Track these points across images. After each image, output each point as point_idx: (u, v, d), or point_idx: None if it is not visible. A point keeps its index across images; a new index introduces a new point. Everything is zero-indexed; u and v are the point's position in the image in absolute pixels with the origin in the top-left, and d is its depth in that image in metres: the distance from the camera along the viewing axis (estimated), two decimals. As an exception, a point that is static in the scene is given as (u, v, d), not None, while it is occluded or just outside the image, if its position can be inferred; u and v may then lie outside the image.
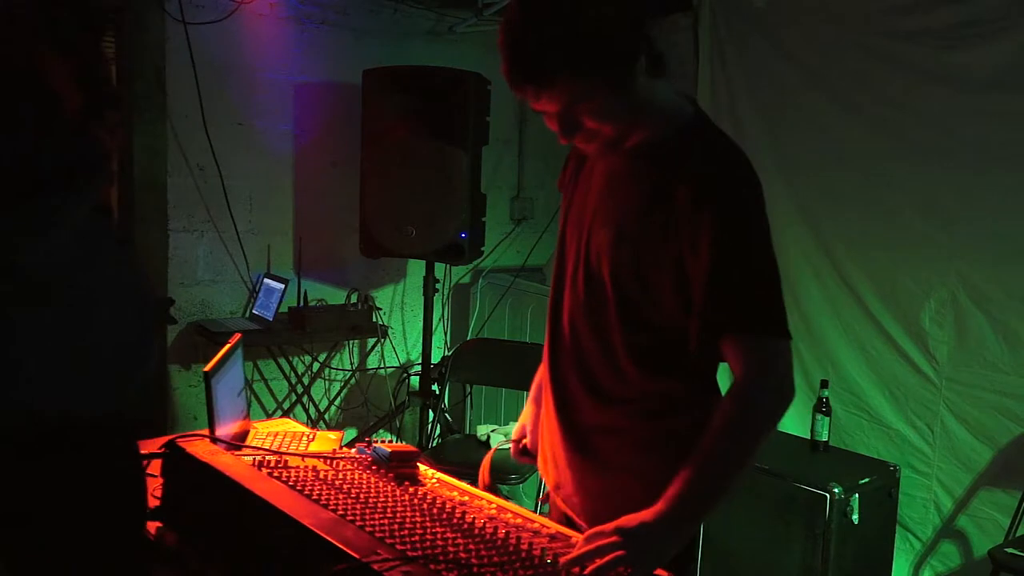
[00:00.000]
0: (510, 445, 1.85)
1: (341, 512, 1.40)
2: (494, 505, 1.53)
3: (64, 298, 1.10)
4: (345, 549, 1.26)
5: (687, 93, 1.55)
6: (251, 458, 1.65)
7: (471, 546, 1.31)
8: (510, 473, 3.33)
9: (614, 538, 1.28)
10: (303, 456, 1.70)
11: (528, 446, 1.79)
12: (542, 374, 1.71)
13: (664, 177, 1.42)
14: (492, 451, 1.92)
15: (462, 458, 3.41)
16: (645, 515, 1.32)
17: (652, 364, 1.48)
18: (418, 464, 1.68)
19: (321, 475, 1.58)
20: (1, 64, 1.10)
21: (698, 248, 1.37)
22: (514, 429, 1.85)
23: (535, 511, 1.59)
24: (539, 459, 1.73)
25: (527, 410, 1.83)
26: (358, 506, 1.43)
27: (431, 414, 3.82)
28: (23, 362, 1.07)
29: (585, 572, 1.25)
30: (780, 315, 1.39)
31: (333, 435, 2.12)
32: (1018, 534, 2.93)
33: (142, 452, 1.70)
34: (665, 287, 1.42)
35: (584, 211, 1.56)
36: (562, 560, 1.28)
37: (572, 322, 1.56)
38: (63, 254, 1.12)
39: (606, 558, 1.26)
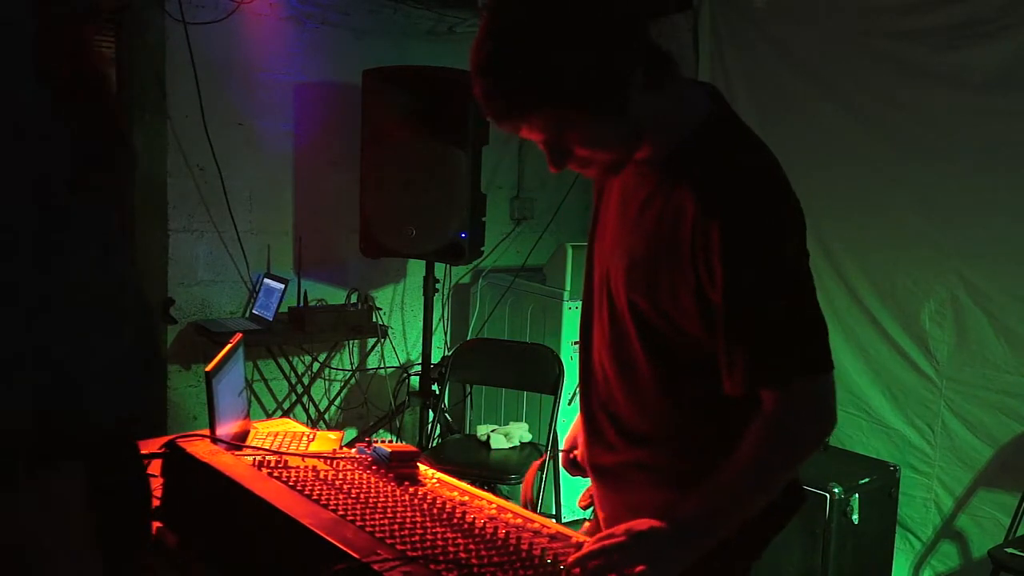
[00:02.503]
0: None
1: (341, 512, 1.40)
2: (494, 505, 1.53)
3: (81, 299, 1.11)
4: (345, 549, 1.26)
5: (707, 87, 1.38)
6: (251, 458, 1.65)
7: (471, 546, 1.31)
8: (510, 473, 3.33)
9: (622, 539, 1.27)
10: (303, 456, 1.70)
11: (579, 458, 1.67)
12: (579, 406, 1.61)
13: (670, 197, 1.30)
14: (533, 468, 1.88)
15: (462, 458, 3.41)
16: (657, 522, 1.29)
17: (683, 400, 1.38)
18: (418, 464, 1.68)
19: (321, 475, 1.58)
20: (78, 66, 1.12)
21: (713, 276, 1.25)
22: (565, 438, 1.74)
23: (535, 511, 1.59)
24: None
25: (579, 419, 1.67)
26: (358, 506, 1.43)
27: (431, 414, 3.82)
28: (38, 363, 1.07)
29: (589, 567, 1.24)
30: (812, 350, 1.27)
31: (333, 435, 2.12)
32: (1018, 534, 2.93)
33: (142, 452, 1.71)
34: (687, 314, 1.30)
35: (605, 232, 1.46)
36: (570, 558, 1.27)
37: (600, 357, 1.47)
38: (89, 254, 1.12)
39: (614, 558, 1.25)
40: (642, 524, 1.29)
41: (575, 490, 1.70)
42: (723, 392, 1.30)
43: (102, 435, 1.12)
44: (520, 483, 3.39)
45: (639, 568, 1.23)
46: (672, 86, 1.32)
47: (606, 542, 1.27)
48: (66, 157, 1.09)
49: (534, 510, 1.59)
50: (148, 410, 1.19)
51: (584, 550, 1.28)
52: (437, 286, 3.99)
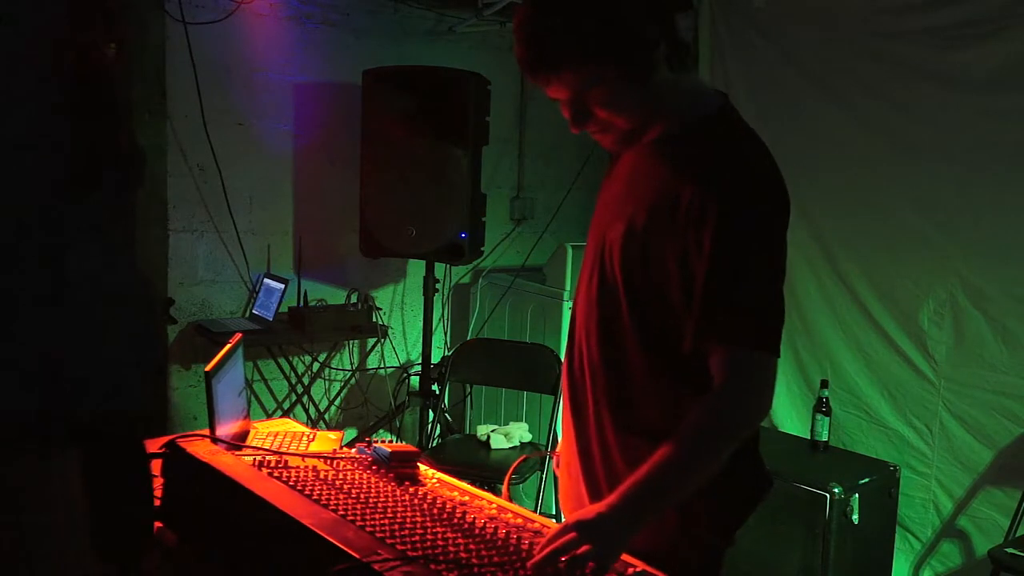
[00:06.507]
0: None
1: (341, 512, 1.40)
2: (494, 505, 1.53)
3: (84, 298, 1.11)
4: (345, 549, 1.26)
5: (723, 94, 1.50)
6: (251, 458, 1.65)
7: (471, 546, 1.31)
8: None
9: (573, 534, 1.27)
10: (303, 456, 1.70)
11: None
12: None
13: (674, 173, 1.39)
14: (513, 465, 1.88)
15: (462, 458, 3.41)
16: (600, 507, 1.31)
17: (666, 374, 1.43)
18: (418, 464, 1.68)
19: (321, 475, 1.58)
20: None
21: (702, 248, 1.34)
22: (560, 443, 1.75)
23: (535, 511, 1.59)
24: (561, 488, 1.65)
25: None
26: (358, 506, 1.43)
27: (431, 414, 3.82)
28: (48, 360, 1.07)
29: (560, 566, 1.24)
30: (770, 329, 1.35)
31: (333, 435, 2.12)
32: (1018, 534, 2.93)
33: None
34: (672, 285, 1.38)
35: (606, 209, 1.52)
36: (529, 564, 1.26)
37: (586, 329, 1.51)
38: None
39: (572, 553, 1.24)
40: (588, 514, 1.31)
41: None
42: (686, 351, 1.37)
43: (98, 429, 1.13)
44: (521, 483, 3.40)
45: (591, 565, 1.23)
46: (690, 77, 1.44)
47: (564, 539, 1.26)
48: (71, 160, 1.10)
49: (508, 500, 1.60)
50: (147, 408, 1.18)
51: (543, 552, 1.26)
52: (437, 286, 3.99)
